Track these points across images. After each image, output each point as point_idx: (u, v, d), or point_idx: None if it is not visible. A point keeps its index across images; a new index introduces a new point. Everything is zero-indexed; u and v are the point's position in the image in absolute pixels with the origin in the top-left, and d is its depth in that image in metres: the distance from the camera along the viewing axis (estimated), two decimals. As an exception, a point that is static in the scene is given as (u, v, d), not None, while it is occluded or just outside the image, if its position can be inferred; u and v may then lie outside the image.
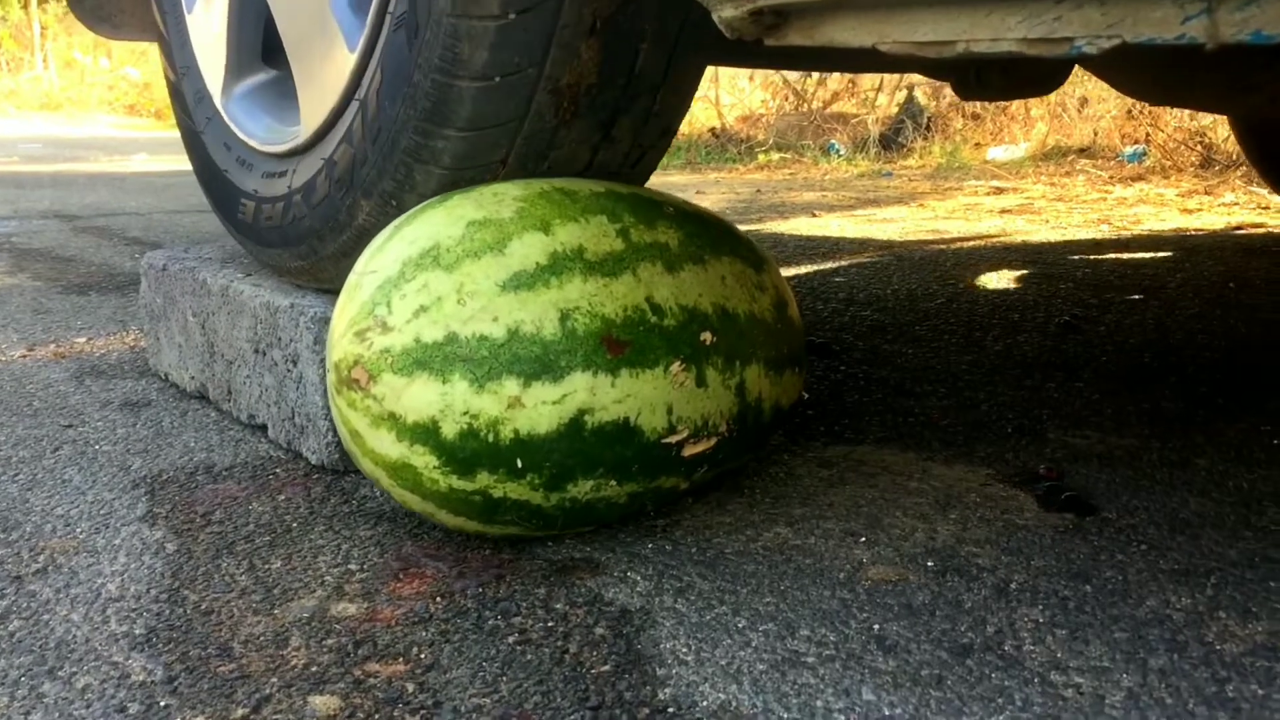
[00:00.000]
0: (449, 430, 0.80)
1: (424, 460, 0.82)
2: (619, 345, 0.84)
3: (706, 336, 0.90)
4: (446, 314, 0.81)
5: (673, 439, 0.88)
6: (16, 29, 12.86)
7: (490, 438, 0.81)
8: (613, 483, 0.86)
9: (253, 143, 1.22)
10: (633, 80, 0.99)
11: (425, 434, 0.81)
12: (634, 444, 0.86)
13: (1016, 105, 5.07)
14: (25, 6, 12.63)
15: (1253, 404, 1.27)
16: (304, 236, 1.11)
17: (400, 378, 0.81)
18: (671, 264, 0.91)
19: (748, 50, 1.47)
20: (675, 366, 0.87)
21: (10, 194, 3.83)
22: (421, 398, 0.80)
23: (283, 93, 1.23)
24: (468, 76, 0.91)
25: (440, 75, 0.92)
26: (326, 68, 1.07)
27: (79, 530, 0.95)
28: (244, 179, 1.24)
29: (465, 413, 0.80)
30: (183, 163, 5.47)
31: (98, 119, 10.16)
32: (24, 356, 1.55)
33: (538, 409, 0.81)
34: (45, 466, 1.10)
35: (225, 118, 1.27)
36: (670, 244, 0.92)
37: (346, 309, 0.85)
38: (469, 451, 0.81)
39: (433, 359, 0.80)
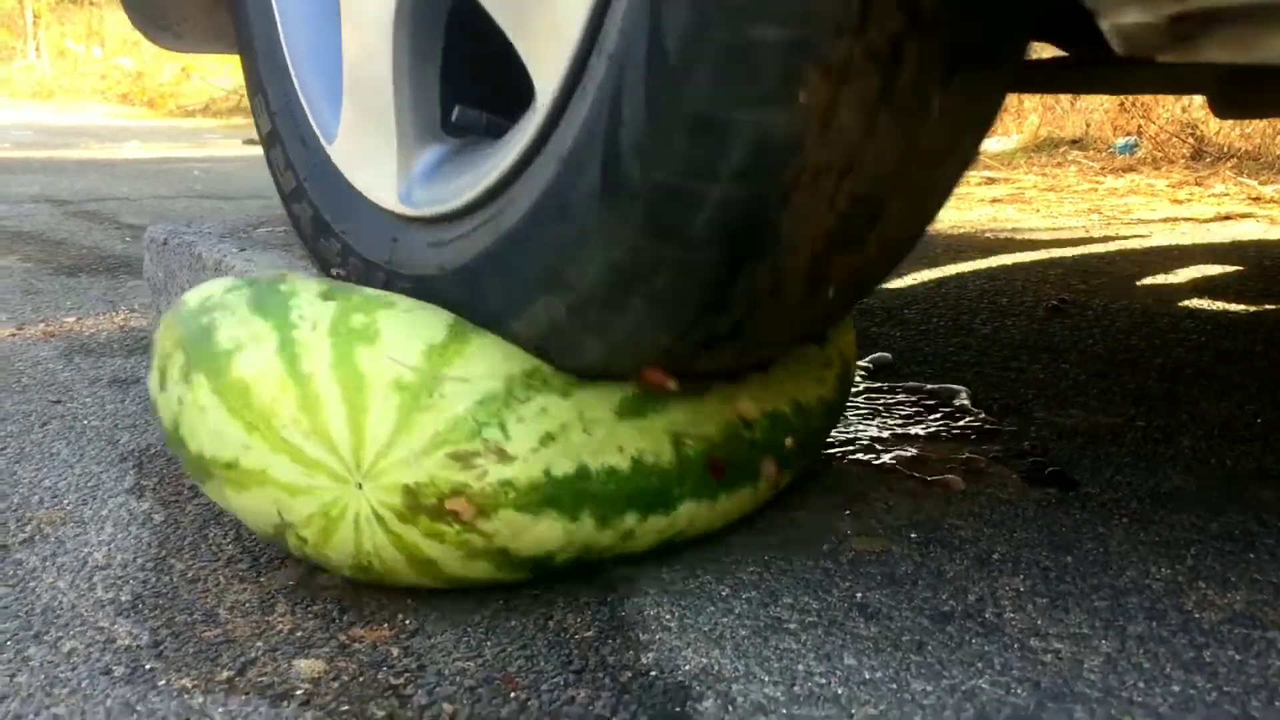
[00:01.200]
0: (560, 559, 0.75)
1: (515, 577, 0.76)
2: (721, 469, 0.81)
3: (789, 441, 0.87)
4: (576, 444, 0.73)
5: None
6: (8, 17, 12.81)
7: (593, 561, 0.78)
8: None
9: (286, 53, 1.04)
10: None
11: (533, 564, 0.75)
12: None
13: (1010, 96, 5.07)
14: (17, -6, 12.58)
15: (1237, 385, 1.27)
16: (302, 237, 1.04)
17: (525, 516, 0.71)
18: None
19: (1047, 77, 1.37)
20: (763, 484, 0.85)
21: (0, 179, 3.82)
22: (545, 536, 0.73)
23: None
24: None
25: None
26: (369, 153, 0.90)
27: (66, 502, 0.95)
28: (270, 78, 1.07)
29: (583, 546, 0.75)
30: (175, 150, 5.47)
31: (90, 108, 10.13)
32: (13, 335, 1.55)
33: (645, 537, 0.78)
34: (33, 440, 1.11)
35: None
36: None
37: (421, 420, 0.70)
38: (563, 570, 0.77)
39: (563, 495, 0.72)
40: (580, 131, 0.68)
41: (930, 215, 0.74)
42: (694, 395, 0.81)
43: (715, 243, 0.64)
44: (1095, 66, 1.29)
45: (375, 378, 0.71)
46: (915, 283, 1.90)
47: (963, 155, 0.71)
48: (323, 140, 1.00)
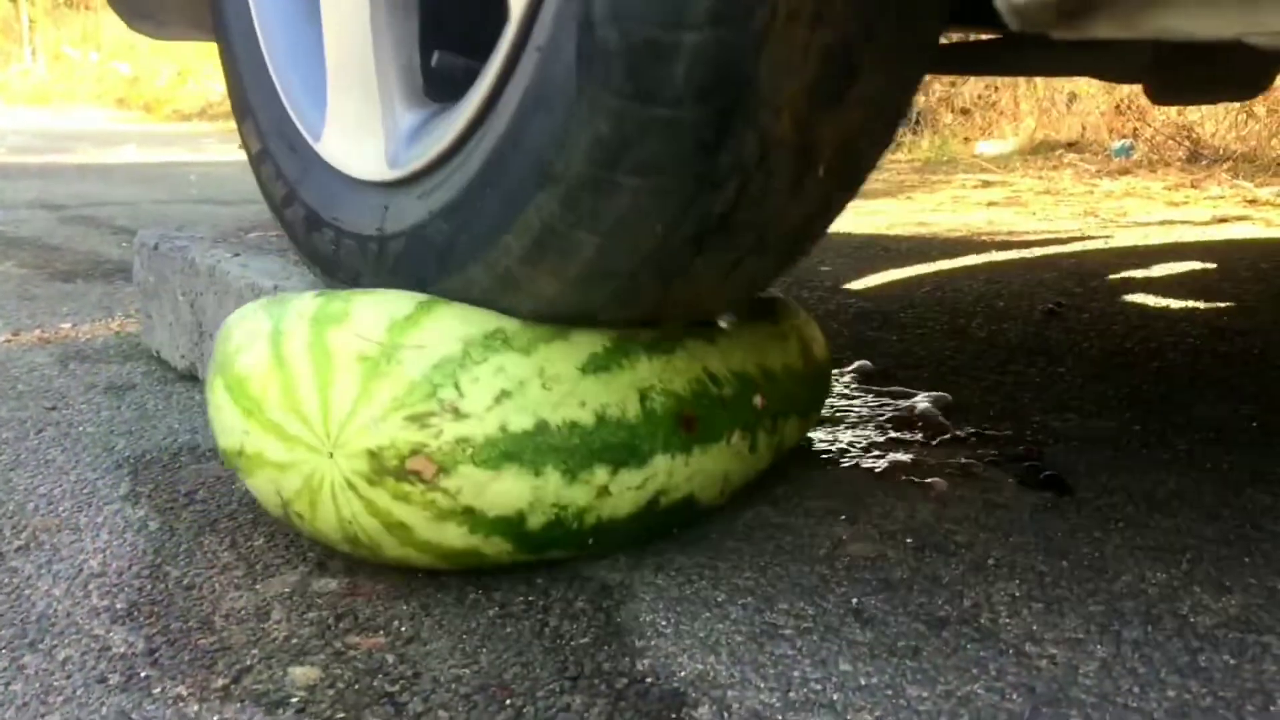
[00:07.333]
0: (535, 522, 0.76)
1: (497, 549, 0.77)
2: (691, 422, 0.83)
3: (758, 400, 0.90)
4: (534, 400, 0.75)
5: (719, 503, 0.89)
6: (5, 22, 12.81)
7: (575, 526, 0.78)
8: (658, 542, 0.87)
9: (271, 68, 1.09)
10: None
11: (507, 525, 0.75)
12: (689, 513, 0.86)
13: (1006, 100, 5.08)
14: (14, 0, 12.58)
15: (1233, 388, 1.28)
16: (295, 241, 1.08)
17: (484, 471, 0.73)
18: (708, 333, 0.90)
19: (963, 57, 1.42)
20: (736, 437, 0.87)
21: (-3, 184, 3.82)
22: (510, 492, 0.74)
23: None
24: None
25: None
26: (357, 132, 0.96)
27: (62, 509, 0.95)
28: (257, 102, 1.12)
29: (554, 504, 0.76)
30: (171, 154, 5.46)
31: (87, 112, 10.12)
32: (8, 341, 1.55)
33: (621, 495, 0.79)
34: (28, 447, 1.10)
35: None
36: None
37: (377, 386, 0.73)
38: (549, 538, 0.78)
39: (523, 449, 0.74)
40: (554, 17, 0.71)
41: (908, 83, 0.77)
42: (662, 353, 0.84)
43: (697, 96, 0.67)
44: (1026, 47, 1.31)
45: (341, 353, 0.75)
46: (911, 286, 1.90)
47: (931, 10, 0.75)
48: (310, 141, 1.04)
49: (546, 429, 0.75)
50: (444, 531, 0.75)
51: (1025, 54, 1.36)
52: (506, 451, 0.74)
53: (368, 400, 0.73)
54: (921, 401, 1.21)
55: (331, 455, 0.73)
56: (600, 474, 0.77)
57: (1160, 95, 1.46)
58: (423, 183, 0.88)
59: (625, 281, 0.77)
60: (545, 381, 0.76)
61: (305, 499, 0.76)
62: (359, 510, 0.74)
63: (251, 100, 1.14)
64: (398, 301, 0.80)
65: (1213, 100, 1.53)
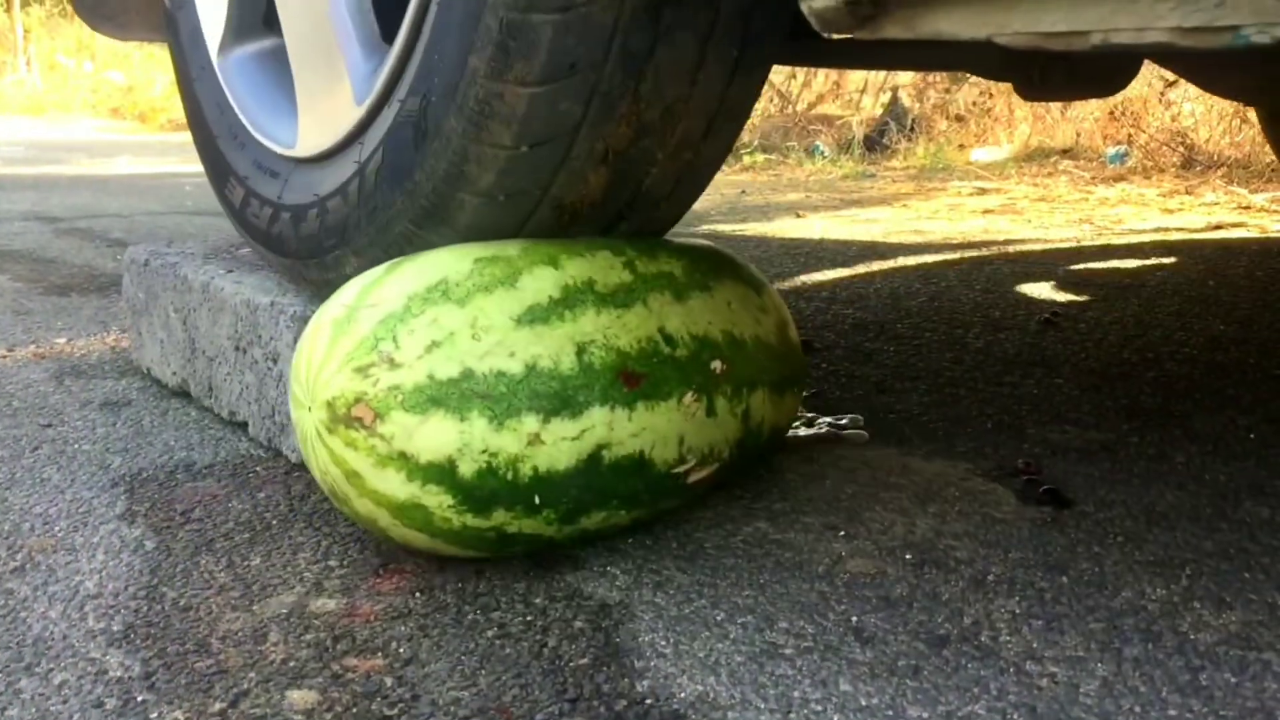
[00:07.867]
0: (467, 469, 0.78)
1: (438, 500, 0.78)
2: (635, 378, 0.84)
3: (717, 365, 0.91)
4: (461, 349, 0.79)
5: (681, 469, 0.89)
6: (-1, 32, 12.80)
7: (509, 475, 0.79)
8: (622, 512, 0.87)
9: (244, 121, 1.19)
10: (639, 196, 0.97)
11: (441, 473, 0.78)
12: (646, 476, 0.86)
13: (1000, 106, 5.09)
14: (8, 10, 12.57)
15: (1230, 399, 1.28)
16: (287, 253, 1.11)
17: (413, 416, 0.77)
18: (679, 292, 0.92)
19: (812, 49, 1.44)
20: (688, 398, 0.87)
21: (-8, 196, 3.81)
22: (437, 436, 0.77)
23: (287, 68, 1.16)
24: (472, 192, 0.90)
25: (444, 185, 0.90)
26: (328, 102, 1.04)
27: (57, 528, 0.95)
28: (236, 158, 1.21)
29: (484, 451, 0.78)
30: (165, 165, 5.46)
31: (81, 122, 10.11)
32: (3, 357, 1.54)
33: (557, 445, 0.80)
34: (24, 465, 1.10)
35: (220, 79, 1.22)
36: (675, 273, 0.93)
37: (338, 343, 0.80)
38: (487, 490, 0.79)
39: (448, 396, 0.78)
40: None
41: None
42: (616, 307, 0.86)
43: None
44: (881, 43, 1.33)
45: (323, 322, 0.83)
46: (909, 296, 1.90)
47: None
48: (288, 152, 1.12)
49: (472, 376, 0.79)
50: (386, 479, 0.78)
51: (882, 48, 1.38)
52: (433, 397, 0.78)
53: (330, 357, 0.80)
54: (826, 423, 1.19)
55: (310, 409, 0.80)
56: (529, 422, 0.79)
57: (1027, 92, 1.51)
58: (392, 94, 0.96)
59: (591, 77, 0.83)
60: (476, 332, 0.80)
61: (304, 453, 0.83)
62: (326, 459, 0.80)
63: (230, 159, 1.22)
64: (374, 269, 0.87)
65: (1077, 97, 1.60)
